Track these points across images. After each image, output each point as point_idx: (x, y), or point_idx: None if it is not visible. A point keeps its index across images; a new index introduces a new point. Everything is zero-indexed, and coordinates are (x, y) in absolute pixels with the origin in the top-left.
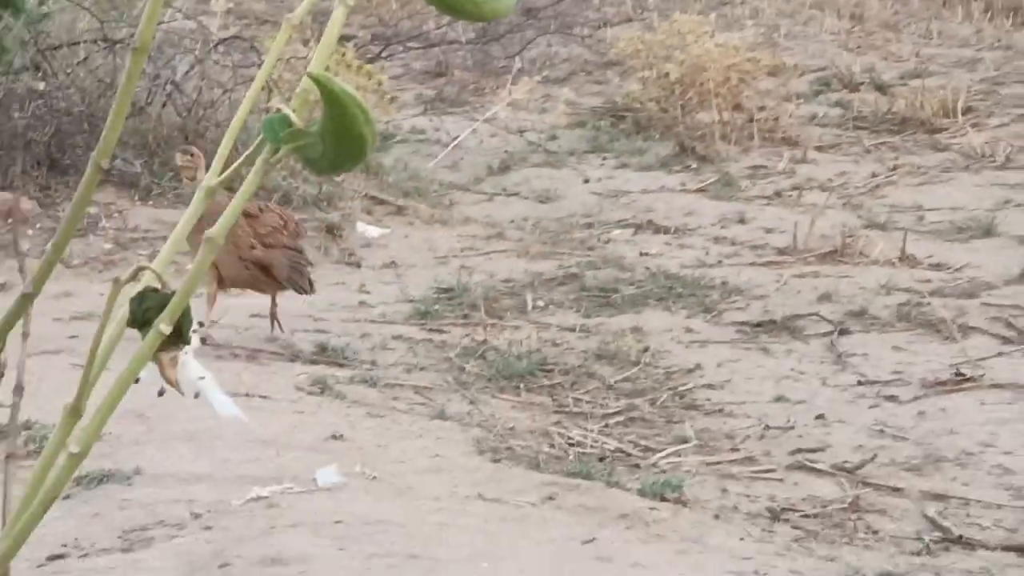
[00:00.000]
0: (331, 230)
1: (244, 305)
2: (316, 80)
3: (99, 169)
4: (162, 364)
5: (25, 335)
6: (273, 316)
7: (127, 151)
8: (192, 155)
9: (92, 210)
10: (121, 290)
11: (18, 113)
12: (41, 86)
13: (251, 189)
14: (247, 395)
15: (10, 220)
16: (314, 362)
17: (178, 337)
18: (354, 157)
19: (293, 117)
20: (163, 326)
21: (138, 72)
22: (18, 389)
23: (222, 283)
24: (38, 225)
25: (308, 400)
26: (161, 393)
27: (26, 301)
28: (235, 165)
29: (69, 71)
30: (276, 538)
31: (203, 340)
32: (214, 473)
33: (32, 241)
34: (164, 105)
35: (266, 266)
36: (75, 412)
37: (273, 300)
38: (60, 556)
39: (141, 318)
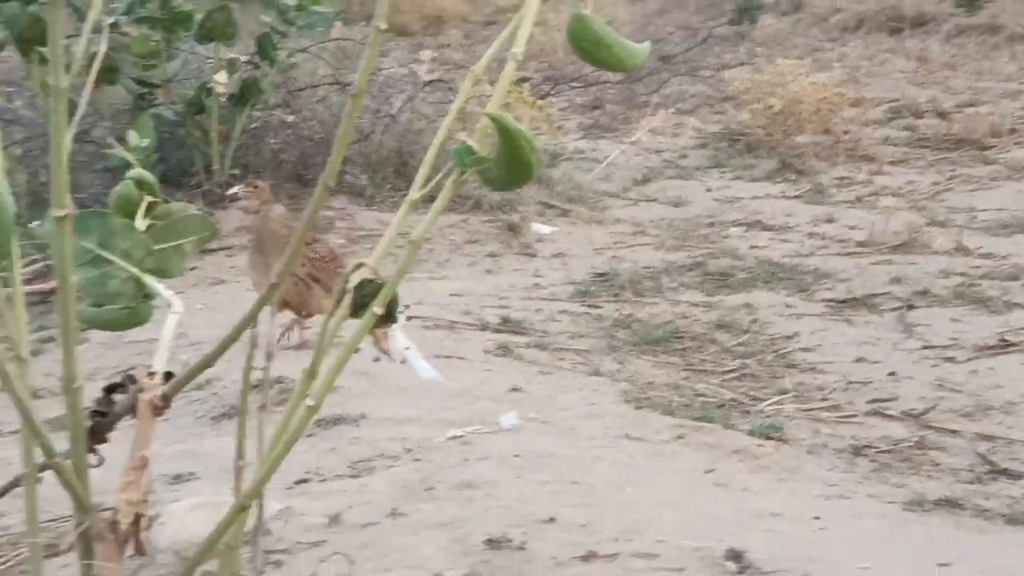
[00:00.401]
0: (512, 228)
1: (445, 288)
2: (492, 118)
3: (327, 188)
4: (377, 337)
5: (273, 314)
6: (290, 327)
7: (355, 168)
8: (256, 187)
9: (329, 213)
10: (346, 281)
11: (272, 140)
12: (290, 119)
13: (447, 200)
14: (447, 357)
15: None
16: (499, 331)
17: (388, 317)
18: (523, 178)
19: (475, 146)
20: (377, 308)
21: (356, 112)
22: (268, 355)
23: None
24: None
25: (494, 361)
26: (376, 360)
27: (273, 288)
28: (433, 182)
29: (311, 107)
30: (469, 468)
31: (408, 318)
32: (421, 417)
33: None
34: (383, 133)
35: (316, 279)
36: (311, 373)
37: (301, 320)
38: (304, 481)
39: (360, 302)
